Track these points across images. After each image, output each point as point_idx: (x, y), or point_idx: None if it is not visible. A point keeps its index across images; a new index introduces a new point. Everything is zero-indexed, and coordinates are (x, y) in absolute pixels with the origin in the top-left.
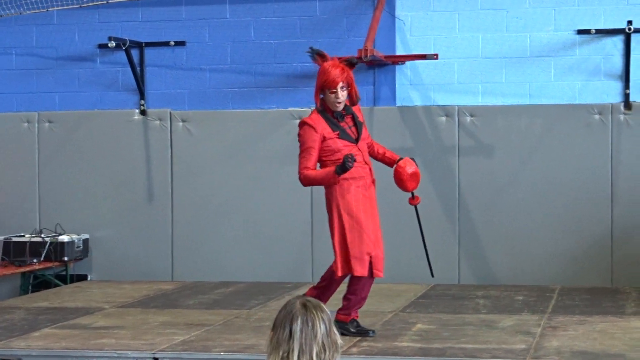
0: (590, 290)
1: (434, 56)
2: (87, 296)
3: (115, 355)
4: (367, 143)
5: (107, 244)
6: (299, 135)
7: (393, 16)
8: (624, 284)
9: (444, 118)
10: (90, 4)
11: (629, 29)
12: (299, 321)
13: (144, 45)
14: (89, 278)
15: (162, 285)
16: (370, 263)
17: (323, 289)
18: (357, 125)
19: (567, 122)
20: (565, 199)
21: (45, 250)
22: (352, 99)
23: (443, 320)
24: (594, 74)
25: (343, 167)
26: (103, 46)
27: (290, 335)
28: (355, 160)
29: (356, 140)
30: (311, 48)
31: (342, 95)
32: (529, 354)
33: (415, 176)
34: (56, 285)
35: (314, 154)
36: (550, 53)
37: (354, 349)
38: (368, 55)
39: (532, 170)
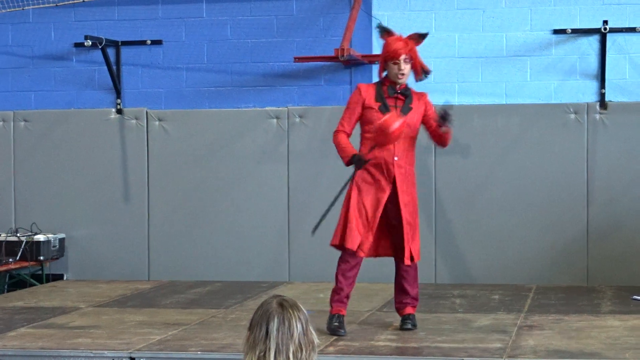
0: (566, 289)
1: None
2: (63, 296)
3: (92, 354)
4: (412, 135)
5: (84, 243)
6: (352, 93)
7: (370, 15)
8: (600, 282)
9: None
10: (66, 2)
11: (605, 29)
12: (276, 320)
13: (120, 44)
14: (65, 277)
15: (138, 284)
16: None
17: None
18: (405, 109)
19: (543, 122)
20: (541, 199)
21: (21, 250)
22: (417, 73)
23: (419, 320)
24: (570, 74)
25: (350, 163)
26: (79, 45)
27: (267, 334)
28: (364, 163)
29: None
30: (379, 24)
31: (405, 67)
32: (505, 352)
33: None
34: (32, 285)
35: (353, 116)
36: (527, 53)
37: (331, 348)
38: (345, 54)
39: (508, 169)
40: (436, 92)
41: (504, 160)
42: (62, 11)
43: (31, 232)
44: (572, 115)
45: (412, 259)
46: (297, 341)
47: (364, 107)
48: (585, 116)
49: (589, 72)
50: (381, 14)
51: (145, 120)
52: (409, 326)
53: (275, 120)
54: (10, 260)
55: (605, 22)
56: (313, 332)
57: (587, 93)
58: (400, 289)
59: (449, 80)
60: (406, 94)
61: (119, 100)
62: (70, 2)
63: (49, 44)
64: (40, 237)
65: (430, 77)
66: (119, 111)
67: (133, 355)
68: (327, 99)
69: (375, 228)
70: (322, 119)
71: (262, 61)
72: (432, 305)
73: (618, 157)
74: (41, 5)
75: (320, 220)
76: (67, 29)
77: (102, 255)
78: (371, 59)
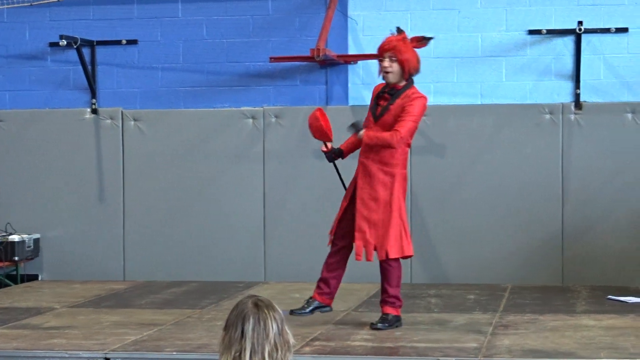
0: (541, 289)
1: None
2: (38, 296)
3: (67, 355)
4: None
5: (58, 244)
6: None
7: (345, 15)
8: (575, 282)
9: None
10: (41, 2)
11: (580, 30)
12: (251, 321)
13: (95, 43)
14: (40, 278)
15: (113, 284)
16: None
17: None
18: (383, 109)
19: (518, 122)
20: (516, 199)
21: None
22: (403, 71)
23: None
24: (545, 74)
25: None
26: (54, 44)
27: (242, 334)
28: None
29: (375, 119)
30: (398, 28)
31: (389, 65)
32: (481, 352)
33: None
34: (6, 285)
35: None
36: (502, 53)
37: (307, 348)
38: (320, 54)
39: (483, 169)
40: None
41: (479, 160)
42: (37, 11)
43: (6, 232)
44: (547, 116)
45: (387, 258)
46: (272, 341)
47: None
48: (560, 116)
49: (564, 73)
50: (357, 14)
51: (120, 120)
52: (377, 325)
53: (251, 120)
54: None
55: (580, 22)
56: (289, 332)
57: (562, 93)
58: (382, 286)
59: (424, 81)
60: (392, 94)
61: (94, 100)
62: (45, 1)
63: (23, 44)
64: (15, 238)
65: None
66: (94, 111)
67: (108, 356)
68: (303, 99)
69: (355, 226)
70: (298, 119)
71: (238, 61)
72: (407, 305)
73: (593, 157)
74: (16, 5)
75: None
76: (41, 29)
77: (77, 256)
78: (347, 59)
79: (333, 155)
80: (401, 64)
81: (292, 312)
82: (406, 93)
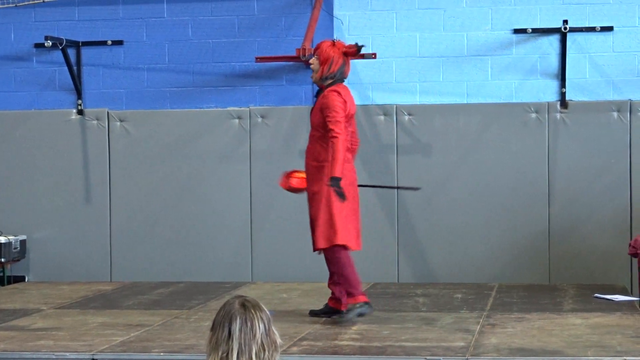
0: (528, 288)
1: (372, 55)
2: (25, 297)
3: (54, 356)
4: (317, 134)
5: (45, 245)
6: None
7: (331, 15)
8: (561, 281)
9: (382, 117)
10: (26, 2)
11: (565, 28)
12: (238, 321)
13: (80, 44)
14: (26, 279)
15: (100, 285)
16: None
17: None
18: (313, 109)
19: (504, 121)
20: (502, 197)
21: None
22: (323, 70)
23: (383, 319)
24: (531, 73)
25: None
26: (39, 45)
27: (229, 335)
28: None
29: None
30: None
31: (312, 63)
32: (468, 351)
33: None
34: None
35: None
36: (487, 52)
37: (294, 348)
38: (306, 54)
39: (469, 168)
40: (398, 92)
41: (465, 159)
42: (22, 11)
43: None
44: (533, 115)
45: (317, 249)
46: (259, 341)
47: None
48: (546, 115)
49: (550, 72)
50: (342, 13)
51: (106, 121)
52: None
53: (237, 120)
54: None
55: (566, 21)
56: (276, 332)
57: (547, 92)
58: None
59: (410, 80)
60: (317, 95)
61: (79, 101)
62: (30, 2)
63: (8, 45)
64: (1, 239)
65: (392, 76)
66: (80, 112)
67: (95, 357)
68: (289, 99)
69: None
70: (284, 119)
71: (224, 61)
72: (395, 305)
73: (579, 156)
74: (1, 6)
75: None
76: (27, 30)
77: (63, 257)
78: None
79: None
80: (321, 64)
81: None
82: (325, 91)
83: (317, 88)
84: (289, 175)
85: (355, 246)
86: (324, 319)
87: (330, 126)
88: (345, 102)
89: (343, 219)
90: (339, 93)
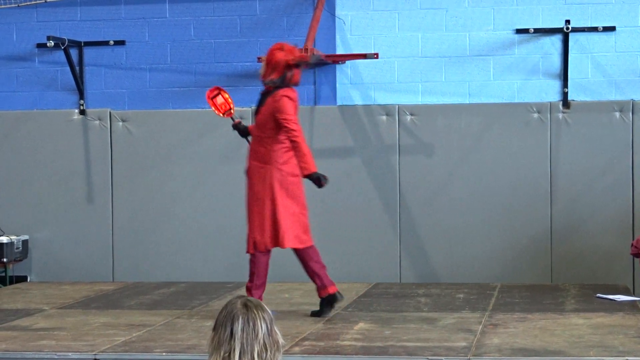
0: (530, 288)
1: (374, 55)
2: (27, 297)
3: (56, 356)
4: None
5: (47, 245)
6: None
7: (333, 15)
8: (564, 281)
9: (384, 117)
10: (28, 3)
11: (567, 28)
12: (240, 321)
13: (83, 44)
14: (28, 279)
15: (102, 286)
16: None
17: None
18: (256, 111)
19: (506, 121)
20: (504, 197)
21: None
22: (267, 73)
23: (384, 319)
24: (533, 73)
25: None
26: (42, 46)
27: (232, 335)
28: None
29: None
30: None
31: (262, 67)
32: (470, 351)
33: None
34: None
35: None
36: (490, 52)
37: (296, 348)
38: (308, 54)
39: (472, 168)
40: (400, 92)
41: (467, 159)
42: (24, 12)
43: None
44: (535, 115)
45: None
46: (261, 341)
47: None
48: (548, 115)
49: (552, 72)
50: (344, 14)
51: (108, 121)
52: (316, 311)
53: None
54: None
55: (568, 21)
56: (278, 332)
57: (549, 92)
58: None
59: (413, 80)
60: (264, 95)
61: (82, 101)
62: (33, 2)
63: (11, 45)
64: (4, 239)
65: (394, 76)
66: (82, 112)
67: (97, 357)
68: None
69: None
70: None
71: (226, 61)
72: (397, 305)
73: (581, 155)
74: (3, 6)
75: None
76: (29, 30)
77: (65, 257)
78: (335, 59)
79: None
80: (268, 66)
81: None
82: (275, 94)
83: (318, 88)
84: (220, 91)
85: (309, 242)
86: (327, 316)
87: (289, 127)
88: (296, 106)
89: (289, 218)
90: (290, 98)
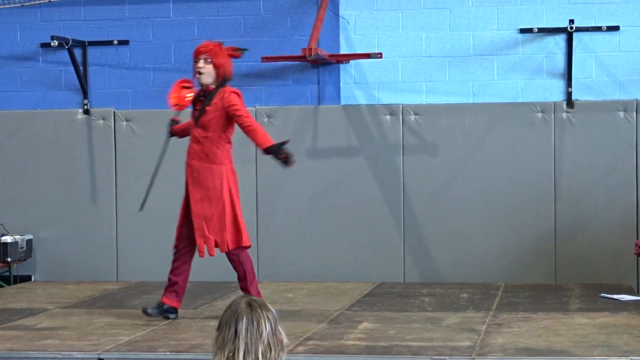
0: (534, 287)
1: (378, 55)
2: (31, 297)
3: (60, 356)
4: (214, 135)
5: (51, 245)
6: None
7: (337, 15)
8: (568, 280)
9: (388, 117)
10: (32, 2)
11: (571, 28)
12: (244, 320)
13: (87, 44)
14: (32, 279)
15: (106, 285)
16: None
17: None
18: (200, 111)
19: (510, 121)
20: (508, 197)
21: None
22: (217, 75)
23: (389, 319)
24: (537, 73)
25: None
26: (45, 45)
27: (236, 334)
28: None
29: (195, 123)
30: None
31: (202, 66)
32: (474, 351)
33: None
34: None
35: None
36: (493, 52)
37: (300, 348)
38: (312, 54)
39: (475, 168)
40: (404, 92)
41: (471, 159)
42: (28, 11)
43: None
44: (539, 114)
45: (229, 250)
46: (265, 341)
47: None
48: (552, 115)
49: (556, 71)
50: (348, 13)
51: (112, 121)
52: None
53: None
54: None
55: (572, 21)
56: (282, 332)
57: (553, 92)
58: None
59: (417, 80)
60: (205, 96)
61: (86, 101)
62: (37, 2)
63: (15, 45)
64: (8, 239)
65: (398, 75)
66: (86, 112)
67: (102, 356)
68: (295, 99)
69: (194, 226)
70: (290, 119)
71: None
72: (401, 304)
73: (585, 155)
74: (7, 6)
75: (147, 194)
76: (33, 29)
77: (70, 256)
78: (338, 59)
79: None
80: (215, 67)
81: (144, 310)
82: (220, 92)
83: (321, 88)
84: (192, 88)
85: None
86: (330, 318)
87: (242, 114)
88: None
89: (242, 218)
90: (238, 94)
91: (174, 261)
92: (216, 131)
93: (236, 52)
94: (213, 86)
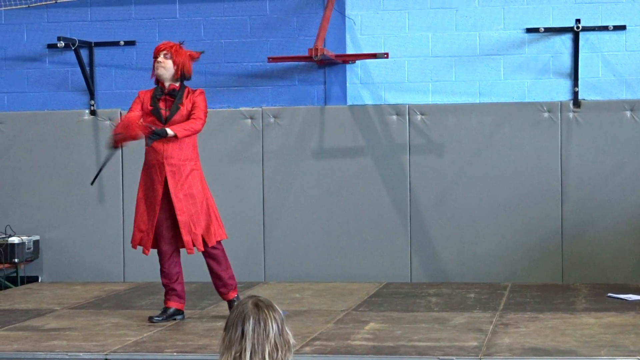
0: (541, 287)
1: (385, 55)
2: (38, 298)
3: (67, 357)
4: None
5: (58, 245)
6: None
7: (343, 15)
8: (575, 280)
9: (394, 117)
10: (38, 3)
11: (578, 27)
12: (251, 321)
13: (93, 45)
14: (39, 280)
15: (113, 286)
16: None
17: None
18: (173, 108)
19: (516, 120)
20: (515, 197)
21: None
22: (177, 71)
23: (395, 319)
24: (543, 72)
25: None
26: (52, 46)
27: (243, 335)
28: (152, 140)
29: (164, 122)
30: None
31: (161, 60)
32: (481, 351)
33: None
34: (6, 287)
35: (134, 113)
36: (500, 51)
37: (307, 348)
38: (318, 54)
39: (482, 168)
40: (410, 92)
41: (478, 159)
42: (35, 12)
43: (5, 234)
44: (546, 114)
45: (222, 244)
46: (272, 341)
47: (143, 110)
48: (559, 114)
49: (562, 71)
50: (355, 13)
51: (119, 121)
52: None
53: (249, 120)
54: None
55: (578, 20)
56: (289, 332)
57: (560, 91)
58: (214, 275)
59: (423, 80)
60: (174, 94)
61: (92, 102)
62: (43, 3)
63: (21, 46)
64: (15, 240)
65: (404, 75)
66: (93, 112)
67: (109, 357)
68: (301, 99)
69: (155, 225)
70: (297, 119)
71: (236, 61)
72: (408, 304)
73: (592, 155)
74: (13, 7)
75: (98, 174)
76: (39, 30)
77: (77, 257)
78: (345, 59)
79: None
80: (175, 63)
81: (150, 319)
82: (189, 91)
83: (328, 88)
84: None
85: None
86: (336, 318)
87: (202, 120)
88: None
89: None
90: (204, 96)
91: (166, 266)
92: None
93: (195, 54)
94: (176, 84)
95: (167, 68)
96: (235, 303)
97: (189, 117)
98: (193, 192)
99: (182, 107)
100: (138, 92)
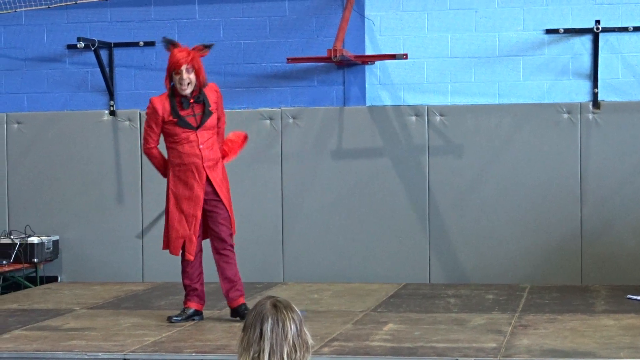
0: (560, 289)
1: (404, 56)
2: (58, 298)
3: (86, 356)
4: (215, 132)
5: (77, 245)
6: (147, 110)
7: (362, 16)
8: (594, 282)
9: (413, 118)
10: (58, 4)
11: (597, 29)
12: (270, 321)
13: (113, 45)
14: (59, 279)
15: (132, 286)
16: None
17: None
18: (205, 114)
19: (536, 122)
20: (534, 198)
21: (14, 252)
22: (199, 81)
23: (414, 320)
24: (563, 74)
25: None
26: (72, 47)
27: (261, 335)
28: None
29: (196, 128)
30: (164, 38)
31: (187, 77)
32: (500, 352)
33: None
34: (26, 287)
35: (154, 133)
36: (519, 53)
37: (326, 349)
38: (337, 55)
39: (501, 169)
40: (429, 93)
41: (497, 160)
42: (55, 13)
43: (25, 234)
44: (565, 115)
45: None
46: (291, 342)
47: (164, 122)
48: (578, 116)
49: (582, 72)
50: (374, 14)
51: (138, 122)
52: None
53: (268, 121)
54: (4, 262)
55: (598, 21)
56: (307, 332)
57: (580, 93)
58: (225, 278)
59: (442, 81)
60: (201, 100)
61: (112, 102)
62: (63, 4)
63: (41, 46)
64: (34, 240)
65: (423, 76)
66: (112, 113)
67: (127, 357)
68: (320, 100)
69: (198, 229)
70: (316, 120)
71: (255, 62)
72: (426, 305)
73: (611, 156)
74: (34, 7)
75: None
76: (59, 31)
77: (96, 257)
78: (364, 60)
79: None
80: (197, 74)
81: (169, 319)
82: (208, 90)
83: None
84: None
85: None
86: (355, 319)
87: (223, 119)
88: None
89: None
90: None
91: (190, 266)
92: (215, 128)
93: (204, 51)
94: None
95: (192, 82)
96: (242, 307)
97: (216, 117)
98: (224, 193)
99: (213, 109)
100: (150, 99)
